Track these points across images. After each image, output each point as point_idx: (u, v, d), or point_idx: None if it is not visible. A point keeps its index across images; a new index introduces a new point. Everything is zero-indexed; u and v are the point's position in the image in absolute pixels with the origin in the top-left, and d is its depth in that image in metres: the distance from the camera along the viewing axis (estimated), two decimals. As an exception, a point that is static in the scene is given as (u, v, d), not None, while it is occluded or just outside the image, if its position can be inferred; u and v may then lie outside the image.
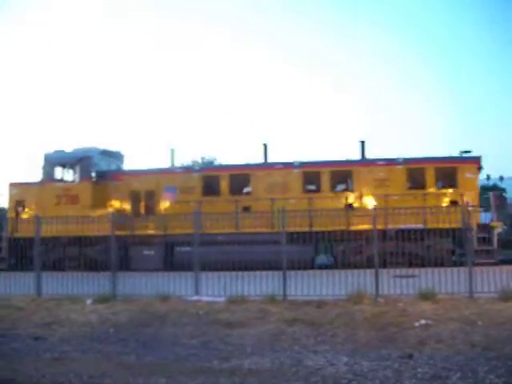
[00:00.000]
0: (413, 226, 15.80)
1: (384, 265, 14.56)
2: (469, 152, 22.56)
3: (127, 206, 23.58)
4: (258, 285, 13.60)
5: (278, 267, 13.51)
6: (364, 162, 22.99)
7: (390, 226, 15.26)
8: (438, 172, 22.16)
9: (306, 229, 14.77)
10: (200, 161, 45.25)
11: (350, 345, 9.17)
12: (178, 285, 13.91)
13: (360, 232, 15.82)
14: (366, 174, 22.44)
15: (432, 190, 21.94)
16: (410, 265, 14.07)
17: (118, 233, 15.93)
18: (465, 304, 11.89)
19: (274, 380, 7.42)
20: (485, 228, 19.71)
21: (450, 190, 21.79)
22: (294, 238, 15.29)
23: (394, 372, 7.58)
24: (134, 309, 12.61)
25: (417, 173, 22.25)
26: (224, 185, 23.26)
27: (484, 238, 19.32)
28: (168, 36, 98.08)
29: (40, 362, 8.67)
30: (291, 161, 23.18)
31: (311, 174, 22.86)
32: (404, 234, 14.74)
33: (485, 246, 19.19)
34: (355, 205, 21.79)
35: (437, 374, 7.43)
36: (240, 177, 23.41)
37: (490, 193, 23.54)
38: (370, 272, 13.56)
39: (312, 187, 22.80)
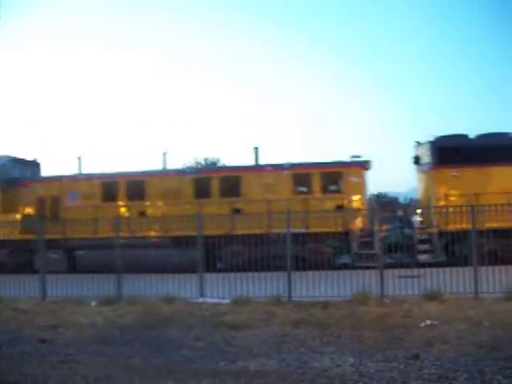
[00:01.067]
0: (296, 230, 16.01)
1: (268, 268, 14.78)
2: (358, 157, 22.97)
3: (34, 211, 24.53)
4: (262, 286, 13.62)
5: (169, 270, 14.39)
6: (253, 167, 23.77)
7: (274, 230, 15.47)
8: (324, 177, 22.75)
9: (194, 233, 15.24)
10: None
11: (356, 346, 9.14)
12: (183, 286, 13.94)
13: (246, 236, 16.14)
14: (254, 180, 23.15)
15: (318, 194, 22.40)
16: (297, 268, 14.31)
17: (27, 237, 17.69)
18: (470, 304, 11.89)
19: (280, 382, 7.39)
20: (369, 232, 20.03)
21: (336, 195, 22.28)
22: (182, 241, 16.31)
23: (400, 373, 7.55)
24: (139, 311, 12.62)
25: (303, 178, 22.88)
26: (122, 191, 24.39)
27: (367, 242, 19.65)
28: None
29: (46, 364, 8.65)
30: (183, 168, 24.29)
31: (202, 181, 23.77)
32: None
33: (367, 249, 19.47)
34: (244, 210, 22.19)
35: (443, 374, 7.39)
36: (134, 183, 24.55)
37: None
38: (375, 272, 13.56)
39: (203, 193, 23.46)
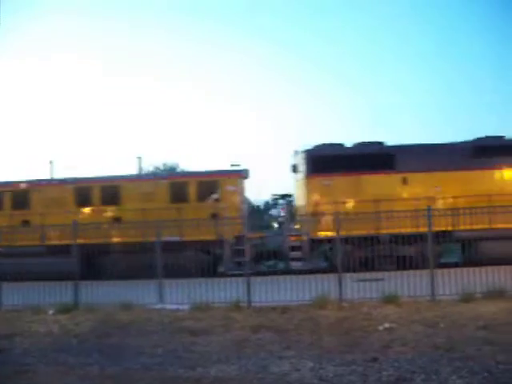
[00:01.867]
0: (168, 238, 16.40)
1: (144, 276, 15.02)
2: (237, 165, 23.63)
3: None
4: (222, 292, 13.60)
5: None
6: (131, 177, 24.49)
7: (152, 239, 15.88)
8: (200, 186, 23.26)
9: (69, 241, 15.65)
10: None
11: (316, 350, 9.18)
12: (141, 293, 13.81)
13: (122, 244, 16.36)
14: (133, 189, 23.61)
15: (194, 203, 22.85)
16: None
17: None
18: (427, 306, 12.08)
19: (240, 387, 7.38)
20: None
21: (212, 203, 22.72)
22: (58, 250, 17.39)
23: (359, 376, 7.61)
24: (96, 318, 12.46)
25: (180, 187, 23.40)
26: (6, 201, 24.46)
27: (239, 249, 19.98)
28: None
29: (2, 374, 8.47)
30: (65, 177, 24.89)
31: (83, 190, 24.07)
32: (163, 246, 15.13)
33: (239, 257, 20.01)
34: (122, 218, 22.67)
35: (401, 376, 7.49)
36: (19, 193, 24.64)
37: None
38: (333, 277, 13.66)
39: (84, 202, 23.92)
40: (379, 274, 14.37)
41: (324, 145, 23.18)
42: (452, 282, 13.30)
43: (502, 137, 23.02)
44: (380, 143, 23.24)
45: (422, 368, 7.75)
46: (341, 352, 8.93)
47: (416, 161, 22.29)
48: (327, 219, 16.48)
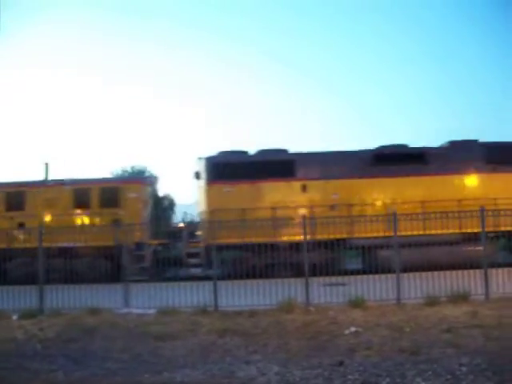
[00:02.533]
0: (65, 244, 16.90)
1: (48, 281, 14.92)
2: (143, 172, 24.05)
3: None
4: (189, 296, 13.54)
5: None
6: (35, 183, 24.39)
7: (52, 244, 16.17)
8: (103, 192, 23.38)
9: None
10: None
11: (282, 354, 9.20)
12: (108, 297, 13.69)
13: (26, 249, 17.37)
14: (37, 195, 23.52)
15: (96, 209, 23.02)
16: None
17: None
18: (393, 311, 12.19)
19: (206, 392, 7.37)
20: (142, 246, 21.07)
21: (114, 209, 22.85)
22: None
23: (324, 380, 7.65)
24: (62, 323, 12.31)
25: (83, 193, 23.45)
26: None
27: (138, 255, 20.47)
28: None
29: (-37, 382, 8.33)
30: None
31: None
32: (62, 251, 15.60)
33: (138, 263, 20.46)
34: (26, 224, 22.47)
35: (367, 380, 7.55)
36: None
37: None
38: (300, 281, 13.71)
39: None
40: (345, 279, 14.44)
41: (226, 152, 23.40)
42: (417, 285, 13.45)
43: (404, 145, 23.29)
44: (283, 150, 23.39)
45: (387, 371, 7.82)
46: (307, 356, 8.97)
47: (315, 168, 22.54)
48: (225, 226, 16.69)
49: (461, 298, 12.82)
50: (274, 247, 16.34)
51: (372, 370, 7.96)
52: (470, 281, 13.58)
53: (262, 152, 23.29)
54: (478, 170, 22.52)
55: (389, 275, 13.75)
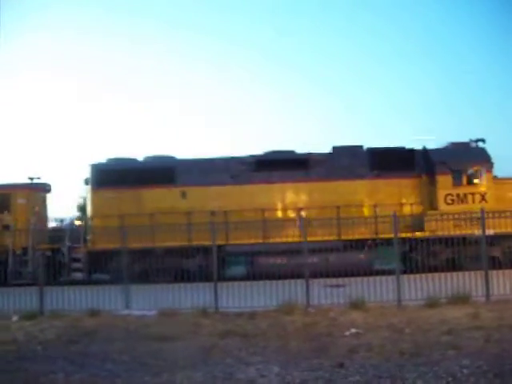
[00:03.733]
0: None
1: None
2: (36, 179, 24.42)
3: None
4: (189, 297, 13.53)
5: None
6: None
7: None
8: None
9: None
10: None
11: (282, 356, 9.18)
12: (108, 299, 13.68)
13: None
14: None
15: None
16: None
17: None
18: (393, 312, 12.19)
19: (206, 394, 7.35)
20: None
21: (2, 215, 22.92)
22: None
23: (325, 381, 7.63)
24: (62, 325, 12.31)
25: None
26: None
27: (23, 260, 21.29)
28: None
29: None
30: None
31: None
32: None
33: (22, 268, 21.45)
34: None
35: (368, 381, 7.53)
36: None
37: None
38: (300, 282, 13.70)
39: None
40: (346, 280, 14.46)
41: (114, 159, 23.61)
42: (418, 287, 13.45)
43: (291, 151, 23.22)
44: (169, 157, 23.69)
45: (387, 373, 7.80)
46: (307, 357, 8.95)
47: (196, 175, 22.68)
48: (107, 232, 16.88)
49: (461, 299, 12.82)
50: (152, 253, 16.54)
51: (372, 371, 7.94)
52: (470, 282, 13.58)
53: (148, 159, 23.68)
54: (362, 176, 22.36)
55: (389, 277, 13.76)
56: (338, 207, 20.29)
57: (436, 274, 13.85)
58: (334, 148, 23.05)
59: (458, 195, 21.57)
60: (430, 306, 12.49)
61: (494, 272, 14.17)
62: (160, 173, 22.64)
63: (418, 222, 20.51)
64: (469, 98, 74.66)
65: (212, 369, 8.54)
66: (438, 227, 16.12)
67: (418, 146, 23.04)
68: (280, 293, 13.41)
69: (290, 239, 16.49)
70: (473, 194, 21.56)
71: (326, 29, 78.65)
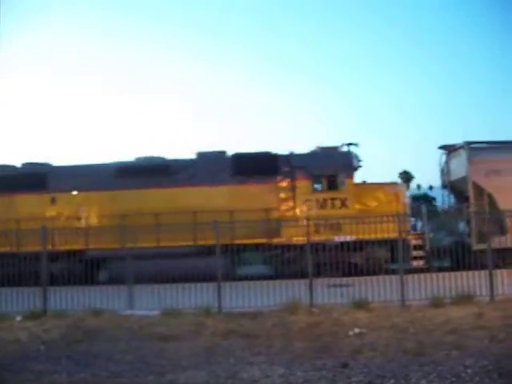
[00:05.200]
0: None
1: None
2: None
3: None
4: (192, 297, 13.51)
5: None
6: None
7: None
8: None
9: None
10: None
11: (286, 356, 9.16)
12: (111, 299, 13.67)
13: None
14: None
15: None
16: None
17: None
18: (397, 312, 12.14)
19: (209, 394, 7.34)
20: None
21: None
22: None
23: (329, 382, 7.62)
24: (65, 325, 12.29)
25: None
26: None
27: None
28: None
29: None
30: None
31: None
32: None
33: None
34: None
35: (371, 381, 7.52)
36: None
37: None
38: (304, 282, 13.67)
39: None
40: (349, 280, 14.44)
41: None
42: (422, 287, 13.41)
43: (160, 157, 23.28)
44: (45, 164, 23.76)
45: (391, 373, 7.79)
46: (311, 357, 8.93)
47: (65, 181, 22.65)
48: None
49: (465, 299, 12.76)
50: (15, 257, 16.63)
51: (377, 371, 7.92)
52: (474, 282, 13.53)
53: (24, 165, 23.80)
54: (224, 182, 22.16)
55: (393, 277, 13.72)
56: (195, 213, 20.18)
57: (440, 274, 13.81)
58: (199, 154, 23.04)
59: (317, 200, 21.36)
60: (434, 306, 12.43)
61: (499, 272, 14.11)
62: (33, 180, 22.84)
63: (275, 228, 20.31)
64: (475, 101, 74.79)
65: (215, 368, 8.53)
66: (293, 234, 16.32)
67: (284, 152, 22.62)
68: (284, 293, 13.38)
69: (145, 244, 16.63)
70: (333, 199, 21.34)
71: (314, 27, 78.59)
